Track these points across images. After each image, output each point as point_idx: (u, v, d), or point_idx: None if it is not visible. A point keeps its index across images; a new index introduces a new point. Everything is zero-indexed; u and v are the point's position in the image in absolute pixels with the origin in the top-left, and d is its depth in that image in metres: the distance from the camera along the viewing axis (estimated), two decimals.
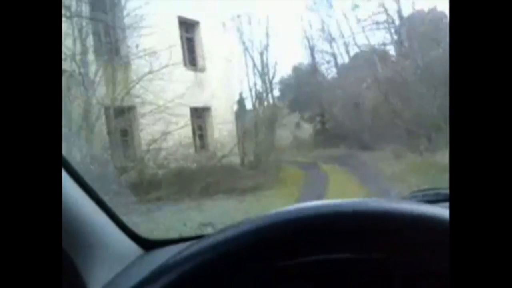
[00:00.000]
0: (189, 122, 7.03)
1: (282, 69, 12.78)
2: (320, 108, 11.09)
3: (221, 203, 4.89)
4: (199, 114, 7.61)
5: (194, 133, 7.37)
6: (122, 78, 6.10)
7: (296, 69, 11.89)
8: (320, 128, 11.11)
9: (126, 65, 6.15)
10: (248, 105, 9.75)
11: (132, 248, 0.85)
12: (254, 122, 9.32)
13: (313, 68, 11.69)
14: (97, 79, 5.67)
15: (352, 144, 9.47)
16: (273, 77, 11.42)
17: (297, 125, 12.28)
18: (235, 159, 7.69)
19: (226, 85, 8.04)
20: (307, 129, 11.63)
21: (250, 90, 9.74)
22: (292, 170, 7.82)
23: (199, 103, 7.35)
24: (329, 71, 11.92)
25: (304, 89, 11.58)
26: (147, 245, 0.87)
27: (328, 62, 11.40)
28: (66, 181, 0.66)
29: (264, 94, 11.07)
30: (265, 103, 11.21)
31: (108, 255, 0.78)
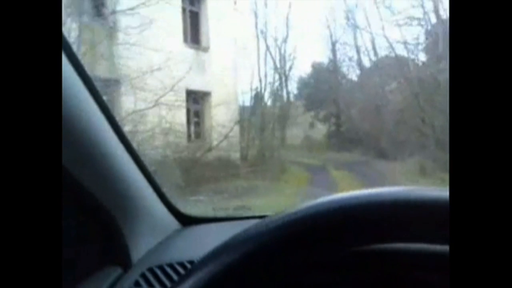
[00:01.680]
0: (183, 106, 6.01)
1: (299, 63, 11.61)
2: (336, 108, 9.96)
3: (196, 206, 3.86)
4: (197, 99, 6.58)
5: (188, 119, 6.35)
6: (107, 45, 5.11)
7: (314, 64, 10.73)
8: (334, 130, 10.00)
9: (112, 31, 5.16)
10: (257, 98, 8.63)
11: (171, 222, 0.87)
12: (261, 116, 8.30)
13: (333, 64, 10.54)
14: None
15: (368, 151, 8.33)
16: (289, 70, 10.42)
17: (311, 125, 11.19)
18: (234, 155, 6.66)
19: (231, 71, 6.98)
20: (321, 130, 10.54)
21: (260, 81, 8.63)
22: (297, 172, 6.75)
23: (197, 86, 6.32)
24: (351, 69, 10.71)
25: (321, 86, 10.46)
26: (185, 220, 0.90)
27: (350, 58, 10.20)
28: (122, 153, 0.70)
29: (277, 88, 10.04)
30: (277, 97, 10.17)
31: (150, 225, 0.79)
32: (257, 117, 8.34)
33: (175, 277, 0.67)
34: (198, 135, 6.67)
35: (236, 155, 6.77)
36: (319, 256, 0.37)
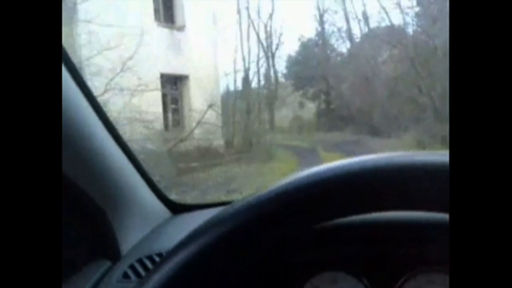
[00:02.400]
0: (158, 91, 5.50)
1: (287, 39, 10.90)
2: (326, 85, 9.45)
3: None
4: (173, 83, 6.05)
5: (165, 106, 5.84)
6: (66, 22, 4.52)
7: (302, 39, 10.14)
8: (324, 108, 9.51)
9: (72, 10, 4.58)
10: (241, 79, 8.09)
11: (161, 210, 0.86)
12: (246, 99, 7.79)
13: (322, 37, 9.98)
14: None
15: (360, 128, 7.87)
16: (276, 48, 9.85)
17: (301, 104, 10.69)
18: (217, 142, 6.18)
19: (211, 51, 6.43)
20: (311, 109, 10.05)
21: (244, 60, 8.07)
22: (285, 157, 6.30)
23: (173, 69, 5.78)
24: (341, 40, 10.14)
25: (310, 62, 9.92)
26: (175, 208, 0.89)
27: (339, 29, 9.63)
28: (109, 141, 0.69)
29: (263, 67, 9.51)
30: (264, 77, 9.66)
31: (140, 215, 0.79)
32: (242, 100, 7.83)
33: None
34: (176, 122, 6.17)
35: (219, 143, 6.30)
36: (294, 232, 0.36)
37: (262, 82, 9.41)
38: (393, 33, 7.92)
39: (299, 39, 10.07)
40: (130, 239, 0.73)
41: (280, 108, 10.46)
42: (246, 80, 8.19)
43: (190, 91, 6.13)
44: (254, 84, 8.71)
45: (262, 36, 9.37)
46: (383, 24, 8.19)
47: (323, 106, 9.54)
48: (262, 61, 9.58)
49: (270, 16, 9.30)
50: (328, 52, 9.96)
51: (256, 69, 8.75)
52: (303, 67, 10.03)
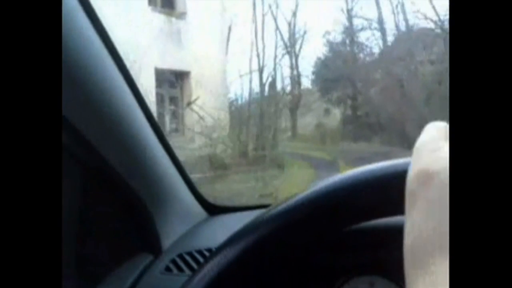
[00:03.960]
0: (153, 89, 4.63)
1: (311, 36, 9.90)
2: (352, 88, 8.37)
3: None
4: (171, 81, 5.14)
5: (161, 108, 4.94)
6: None
7: (327, 36, 9.08)
8: (350, 115, 8.41)
9: None
10: (256, 81, 7.13)
11: (198, 210, 0.89)
12: (262, 104, 6.83)
13: (349, 34, 8.89)
14: None
15: (390, 139, 6.77)
16: (300, 48, 8.87)
17: (326, 111, 9.64)
18: (223, 152, 5.24)
19: (218, 45, 5.51)
20: (336, 116, 8.99)
21: (259, 56, 7.09)
22: (298, 171, 5.29)
23: (170, 64, 4.90)
24: (372, 38, 9.00)
25: (335, 63, 8.86)
26: (212, 209, 0.92)
27: (370, 25, 8.53)
28: (154, 140, 0.71)
29: (280, 65, 8.55)
30: (284, 79, 8.69)
31: (179, 213, 0.82)
32: (258, 105, 6.88)
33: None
34: (174, 128, 5.27)
35: (225, 153, 5.36)
36: (325, 235, 0.39)
37: (282, 85, 8.38)
38: (434, 29, 6.81)
39: (324, 36, 8.99)
40: (170, 235, 0.77)
41: (304, 115, 9.48)
42: (262, 82, 7.19)
43: (191, 90, 5.22)
44: (271, 87, 7.69)
45: (285, 34, 8.40)
46: (422, 19, 7.05)
47: (348, 112, 8.45)
48: (283, 61, 8.60)
49: (294, 13, 8.28)
50: (356, 51, 8.86)
51: (273, 70, 7.70)
52: (328, 68, 8.98)
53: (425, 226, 0.26)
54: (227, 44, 5.96)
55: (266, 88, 7.50)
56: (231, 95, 6.60)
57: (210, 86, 5.17)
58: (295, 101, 9.03)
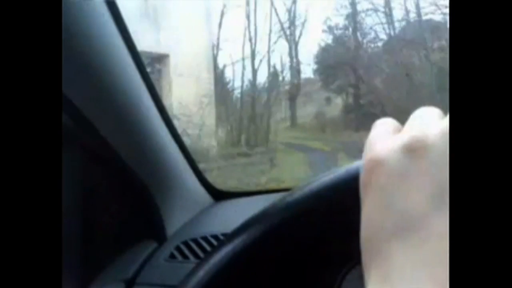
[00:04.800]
0: None
1: (311, 21, 9.23)
2: (355, 77, 7.80)
3: None
4: (147, 65, 4.60)
5: None
6: None
7: (328, 21, 8.50)
8: (352, 103, 7.86)
9: None
10: (249, 67, 6.60)
11: (203, 196, 0.88)
12: (252, 91, 6.32)
13: (353, 19, 8.29)
14: None
15: None
16: (300, 36, 8.29)
17: (327, 100, 9.10)
18: (208, 144, 4.74)
19: (203, 25, 4.98)
20: (338, 105, 8.44)
21: (251, 40, 6.56)
22: (291, 165, 4.77)
23: (147, 47, 4.38)
24: (377, 27, 8.36)
25: (336, 50, 8.30)
26: (217, 195, 0.91)
27: (375, 8, 7.92)
28: (160, 124, 0.70)
29: (281, 52, 7.99)
30: (280, 65, 8.14)
31: (184, 199, 0.81)
32: (250, 92, 6.37)
33: (209, 249, 0.69)
34: None
35: (211, 144, 4.85)
36: (331, 226, 0.39)
37: (276, 71, 7.83)
38: (445, 15, 6.24)
39: (325, 22, 8.41)
40: (174, 222, 0.76)
41: (305, 104, 8.97)
42: (254, 68, 6.65)
43: (170, 75, 4.71)
44: (269, 74, 7.15)
45: (284, 22, 7.84)
46: (433, 4, 6.45)
47: (350, 101, 7.89)
48: (282, 49, 8.05)
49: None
50: (360, 38, 8.26)
51: (267, 55, 7.14)
52: (329, 55, 8.41)
53: (378, 214, 0.26)
54: (219, 30, 5.43)
55: (259, 75, 6.96)
56: (221, 82, 6.08)
57: (194, 71, 4.64)
58: (294, 89, 8.51)
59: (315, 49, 9.07)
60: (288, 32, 8.16)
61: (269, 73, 7.23)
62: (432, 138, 0.26)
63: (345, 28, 8.64)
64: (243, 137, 5.50)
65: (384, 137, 0.28)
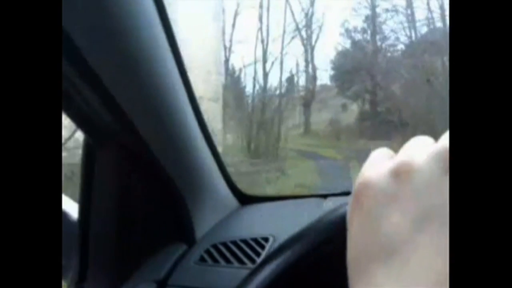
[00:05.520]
0: None
1: (329, 24, 8.92)
2: (372, 83, 7.48)
3: None
4: None
5: None
6: None
7: (346, 24, 8.22)
8: (368, 110, 7.54)
9: None
10: (260, 71, 6.37)
11: (231, 200, 0.90)
12: (263, 96, 6.08)
13: (372, 22, 7.97)
14: None
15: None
16: (316, 40, 8.02)
17: (343, 106, 8.79)
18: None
19: (211, 21, 4.78)
20: (354, 112, 8.12)
21: (263, 42, 6.33)
22: (303, 172, 4.50)
23: None
24: (398, 31, 8.01)
25: (354, 55, 7.99)
26: (243, 199, 0.92)
27: (395, 9, 7.59)
28: (195, 128, 0.72)
29: (297, 56, 7.73)
30: (296, 70, 7.88)
31: (213, 203, 0.82)
32: (260, 97, 6.14)
33: (238, 253, 0.71)
34: None
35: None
36: None
37: (290, 76, 7.58)
38: None
39: (343, 25, 8.10)
40: (203, 225, 0.77)
41: (320, 110, 8.69)
42: (266, 72, 6.41)
43: None
44: (277, 79, 6.91)
45: (301, 25, 7.59)
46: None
47: (367, 107, 7.56)
48: (298, 52, 7.79)
49: (312, 2, 7.44)
50: (379, 41, 7.93)
51: (280, 58, 6.89)
52: (346, 60, 8.10)
53: (363, 236, 0.27)
54: (233, 30, 5.21)
55: (272, 79, 6.72)
56: (231, 85, 5.86)
57: (201, 72, 4.43)
58: (309, 95, 8.23)
59: (331, 54, 8.80)
60: (304, 35, 7.89)
61: (282, 78, 6.98)
62: (418, 163, 0.27)
63: (364, 31, 8.39)
64: (251, 144, 5.24)
65: (376, 163, 0.30)
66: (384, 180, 0.27)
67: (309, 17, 7.88)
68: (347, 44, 8.43)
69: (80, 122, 0.63)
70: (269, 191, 4.11)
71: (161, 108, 0.62)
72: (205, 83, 4.62)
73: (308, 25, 7.94)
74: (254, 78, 6.48)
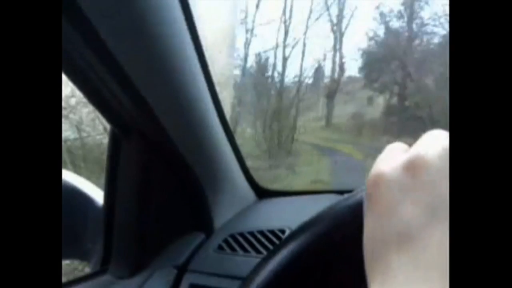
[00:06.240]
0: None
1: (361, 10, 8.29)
2: (403, 74, 6.89)
3: None
4: None
5: None
6: None
7: (381, 7, 7.57)
8: (396, 104, 6.98)
9: None
10: (280, 57, 5.91)
11: (248, 193, 0.94)
12: (279, 84, 5.62)
13: (409, 6, 7.30)
14: None
15: None
16: (347, 26, 7.43)
17: (369, 99, 8.21)
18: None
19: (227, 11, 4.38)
20: (379, 105, 7.56)
21: (286, 23, 5.86)
22: (314, 170, 4.11)
23: None
24: (437, 19, 7.30)
25: (386, 42, 7.38)
26: (261, 192, 0.96)
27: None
28: (216, 121, 0.74)
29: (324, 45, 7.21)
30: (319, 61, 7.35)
31: (231, 195, 0.85)
32: (276, 85, 5.70)
33: (256, 243, 0.74)
34: None
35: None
36: None
37: (320, 64, 7.07)
38: None
39: (377, 7, 7.45)
40: (222, 215, 0.80)
41: (345, 103, 8.16)
42: (285, 56, 5.93)
43: None
44: (298, 66, 6.41)
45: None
46: None
47: (394, 101, 6.98)
48: (324, 38, 7.25)
49: None
50: (415, 29, 7.26)
51: (303, 43, 6.36)
52: (376, 47, 7.50)
53: (379, 225, 0.28)
54: (256, 10, 4.78)
55: (292, 66, 6.23)
56: (249, 69, 5.45)
57: (213, 55, 4.04)
58: (334, 86, 7.70)
59: (362, 41, 8.15)
60: (334, 20, 7.32)
61: (302, 65, 6.48)
62: (431, 156, 0.28)
63: (400, 16, 7.67)
64: (262, 136, 4.84)
65: (391, 157, 0.32)
66: (397, 172, 0.29)
67: (341, 1, 7.29)
68: (380, 30, 7.80)
69: (108, 114, 0.65)
70: (277, 186, 3.71)
71: (183, 99, 0.63)
72: (213, 64, 4.23)
73: (341, 9, 7.36)
74: (274, 64, 6.03)
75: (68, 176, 0.83)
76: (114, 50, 0.49)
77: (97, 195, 0.79)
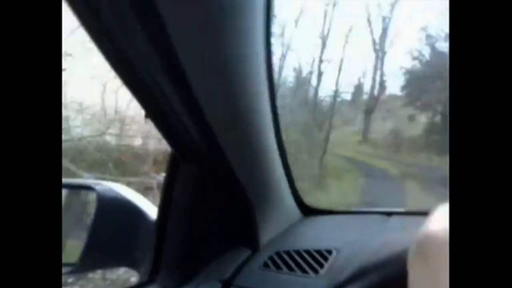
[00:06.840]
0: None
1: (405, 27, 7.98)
2: (447, 95, 6.55)
3: None
4: None
5: None
6: None
7: (426, 29, 7.39)
8: (438, 122, 6.71)
9: None
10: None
11: (294, 211, 0.93)
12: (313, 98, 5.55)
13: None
14: None
15: None
16: (390, 45, 7.26)
17: (411, 117, 7.93)
18: None
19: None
20: (421, 123, 7.29)
21: (323, 45, 5.83)
22: (343, 186, 3.98)
23: None
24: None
25: (430, 60, 7.15)
26: (306, 211, 0.95)
27: None
28: (271, 137, 0.73)
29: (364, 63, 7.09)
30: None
31: (278, 212, 0.85)
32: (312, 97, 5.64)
33: (301, 262, 0.74)
34: None
35: None
36: None
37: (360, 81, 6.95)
38: None
39: (423, 29, 7.26)
40: (267, 233, 0.80)
41: (384, 119, 7.95)
42: (320, 72, 5.87)
43: None
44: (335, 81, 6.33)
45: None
46: None
47: (437, 119, 6.69)
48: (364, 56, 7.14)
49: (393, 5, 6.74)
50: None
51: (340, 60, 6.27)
52: (420, 66, 7.27)
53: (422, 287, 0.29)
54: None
55: (328, 80, 6.16)
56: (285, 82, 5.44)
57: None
58: (373, 102, 7.51)
59: (404, 60, 7.91)
60: (376, 39, 7.19)
61: (338, 80, 6.37)
62: None
63: (446, 37, 7.39)
64: (292, 148, 4.77)
65: (443, 218, 0.31)
66: (448, 236, 0.29)
67: (386, 21, 7.15)
68: (425, 50, 7.54)
69: (171, 138, 0.67)
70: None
71: (246, 123, 0.63)
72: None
73: (384, 28, 7.21)
74: (310, 78, 5.98)
75: (122, 190, 0.88)
76: (193, 83, 0.49)
77: (148, 208, 0.85)
